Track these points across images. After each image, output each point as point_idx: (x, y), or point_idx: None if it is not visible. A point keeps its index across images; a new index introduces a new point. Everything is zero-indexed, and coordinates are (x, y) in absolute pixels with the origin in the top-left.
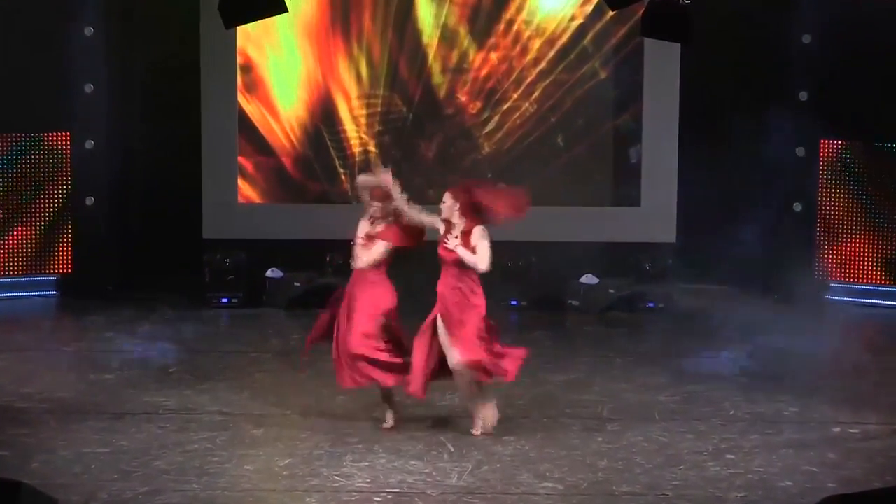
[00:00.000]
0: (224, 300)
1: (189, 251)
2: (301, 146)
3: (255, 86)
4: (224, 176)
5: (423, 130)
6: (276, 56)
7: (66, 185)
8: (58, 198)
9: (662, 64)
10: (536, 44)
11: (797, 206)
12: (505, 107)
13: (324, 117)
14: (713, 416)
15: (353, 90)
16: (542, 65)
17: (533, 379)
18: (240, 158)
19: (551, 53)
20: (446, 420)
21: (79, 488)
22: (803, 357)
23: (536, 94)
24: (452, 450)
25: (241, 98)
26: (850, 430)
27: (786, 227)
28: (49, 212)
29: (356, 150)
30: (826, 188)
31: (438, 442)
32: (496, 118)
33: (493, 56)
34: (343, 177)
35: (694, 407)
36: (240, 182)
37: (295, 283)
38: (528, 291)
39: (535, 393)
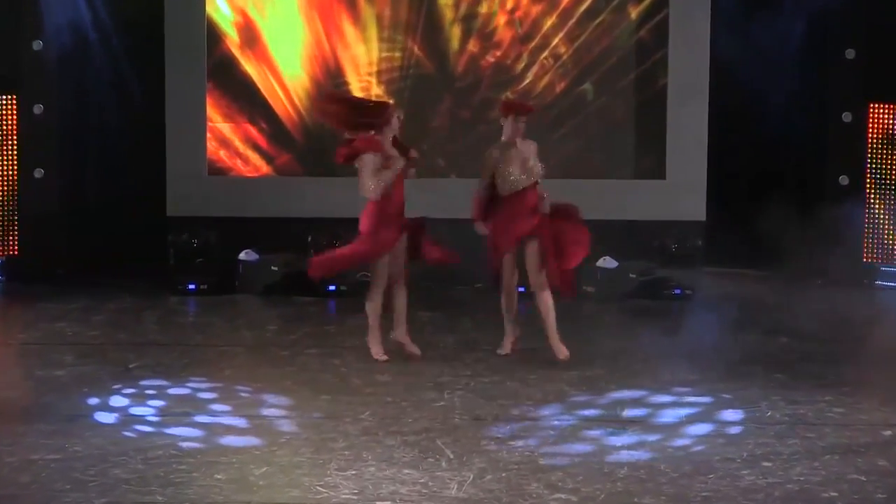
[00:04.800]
0: (191, 286)
1: (151, 230)
2: (297, 110)
3: (250, 45)
4: (191, 144)
5: (433, 92)
6: (274, 12)
7: (12, 155)
8: (2, 170)
9: (691, 16)
10: None
11: (843, 179)
12: (521, 64)
13: (327, 78)
14: (748, 418)
15: (358, 46)
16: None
17: (543, 376)
18: (239, 127)
19: None
20: (444, 422)
21: (27, 499)
22: (850, 351)
23: (556, 41)
24: (451, 456)
25: (241, 57)
26: None
27: (830, 203)
28: None
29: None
30: (876, 159)
31: (436, 447)
32: (516, 68)
33: (510, 3)
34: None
35: (726, 408)
36: (227, 153)
37: (272, 268)
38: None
39: (545, 391)
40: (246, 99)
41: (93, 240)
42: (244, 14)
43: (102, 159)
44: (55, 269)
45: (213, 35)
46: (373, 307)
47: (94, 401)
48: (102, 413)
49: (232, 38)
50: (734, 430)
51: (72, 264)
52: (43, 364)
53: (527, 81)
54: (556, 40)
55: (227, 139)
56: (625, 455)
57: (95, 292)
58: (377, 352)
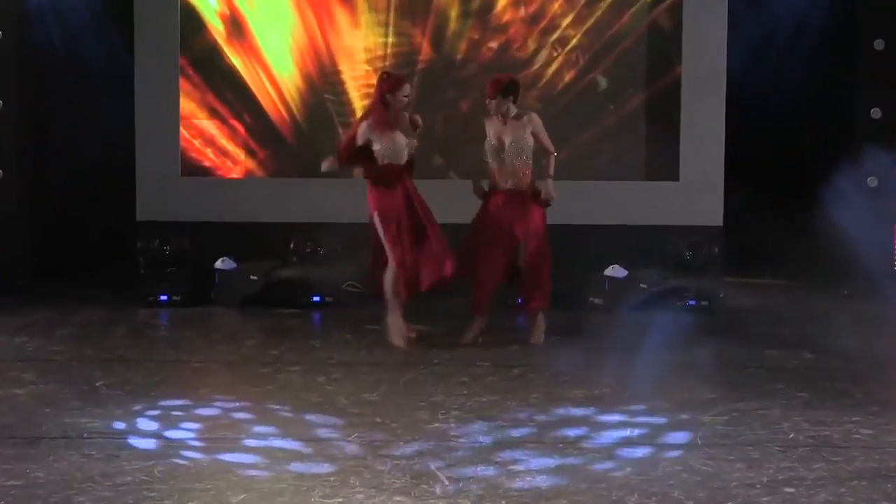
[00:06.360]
0: (163, 297)
1: (121, 237)
2: (287, 106)
3: (237, 36)
4: (163, 143)
5: (432, 82)
6: (262, 1)
7: None
8: None
9: (707, 3)
10: None
11: (872, 181)
12: (526, 50)
13: (319, 71)
14: (769, 441)
15: (351, 33)
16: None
17: (547, 395)
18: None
19: None
20: (439, 445)
21: None
22: (879, 367)
23: (564, 23)
24: (447, 483)
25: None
26: None
27: (858, 206)
28: None
29: (357, 98)
30: None
31: (430, 473)
32: (520, 56)
33: None
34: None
35: (745, 429)
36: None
37: (251, 277)
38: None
39: (549, 412)
40: (232, 94)
41: (57, 247)
42: (230, 3)
43: (68, 159)
44: (15, 279)
45: (197, 26)
46: (388, 282)
47: (57, 422)
48: (66, 436)
49: (217, 28)
50: (754, 453)
51: (33, 273)
52: (1, 382)
53: (532, 69)
54: (564, 22)
55: (211, 137)
56: (635, 480)
57: (59, 304)
58: (397, 332)
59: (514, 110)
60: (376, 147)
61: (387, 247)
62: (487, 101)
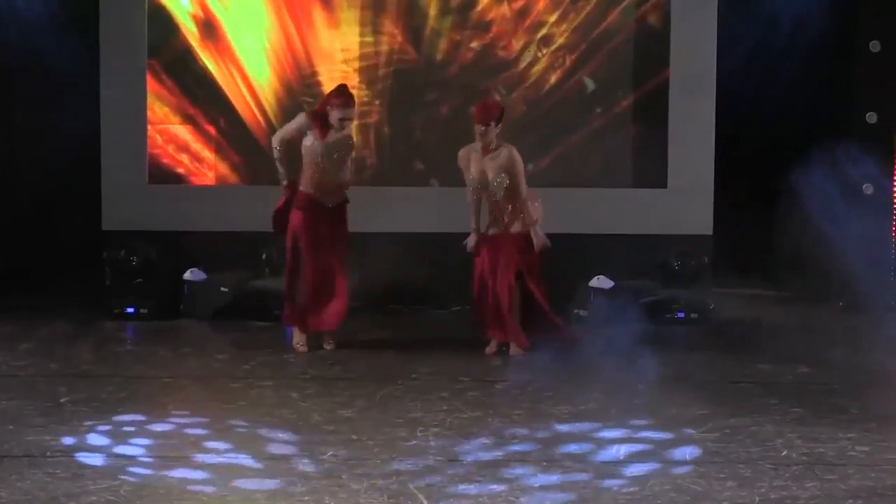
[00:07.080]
0: (130, 310)
1: (86, 246)
2: (262, 110)
3: (211, 38)
4: (130, 148)
5: (412, 84)
6: (237, 1)
7: None
8: None
9: (696, 3)
10: None
11: (868, 188)
12: (510, 51)
13: (296, 73)
14: (761, 458)
15: (327, 31)
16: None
17: (530, 411)
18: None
19: None
20: (417, 464)
21: None
22: (876, 382)
23: (550, 20)
24: (425, 502)
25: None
26: None
27: (853, 215)
28: None
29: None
30: None
31: (407, 492)
32: (504, 56)
33: None
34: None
35: (737, 446)
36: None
37: (222, 288)
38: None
39: (533, 429)
40: (206, 98)
41: (18, 257)
42: (203, 4)
43: (28, 165)
44: None
45: (169, 28)
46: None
47: (20, 440)
48: (30, 454)
49: (190, 30)
50: (745, 471)
51: None
52: None
53: (517, 69)
54: (549, 19)
55: (185, 143)
56: (623, 500)
57: (22, 317)
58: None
59: (495, 140)
60: (307, 142)
61: (307, 260)
62: (478, 126)
